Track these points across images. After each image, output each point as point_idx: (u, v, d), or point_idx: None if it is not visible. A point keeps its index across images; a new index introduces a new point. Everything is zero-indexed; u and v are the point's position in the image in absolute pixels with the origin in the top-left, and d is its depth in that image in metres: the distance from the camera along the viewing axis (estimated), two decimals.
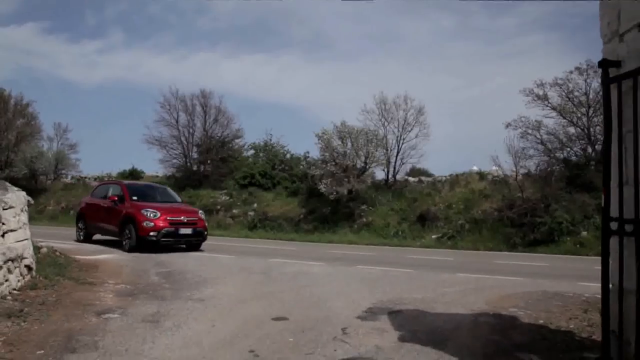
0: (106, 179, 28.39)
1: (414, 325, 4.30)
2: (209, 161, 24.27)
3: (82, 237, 12.38)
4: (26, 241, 6.00)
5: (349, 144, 19.05)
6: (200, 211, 11.77)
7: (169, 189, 13.47)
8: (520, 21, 52.04)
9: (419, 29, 54.97)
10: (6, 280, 5.05)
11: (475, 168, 20.21)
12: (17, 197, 6.25)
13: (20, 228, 6.05)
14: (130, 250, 10.19)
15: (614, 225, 2.81)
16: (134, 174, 27.93)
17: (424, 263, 10.17)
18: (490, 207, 17.29)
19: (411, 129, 19.83)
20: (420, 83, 50.32)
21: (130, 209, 10.73)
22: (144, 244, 10.21)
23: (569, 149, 19.58)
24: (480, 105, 48.75)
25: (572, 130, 19.47)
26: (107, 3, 58.08)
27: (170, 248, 10.75)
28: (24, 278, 5.60)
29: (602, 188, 2.90)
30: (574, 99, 19.39)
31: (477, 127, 45.58)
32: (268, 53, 57.55)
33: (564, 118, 19.37)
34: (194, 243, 11.08)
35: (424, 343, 3.74)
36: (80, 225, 12.71)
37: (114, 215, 11.12)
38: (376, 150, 19.02)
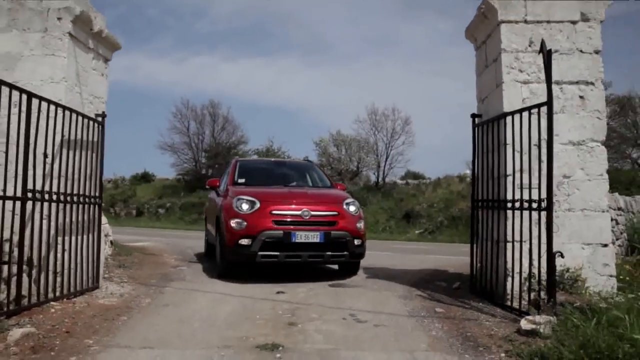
0: (119, 182, 30.68)
1: (378, 273, 6.70)
2: (216, 165, 26.65)
3: (205, 250, 8.61)
4: (107, 224, 8.36)
5: (343, 151, 21.57)
6: (347, 200, 6.29)
7: (315, 167, 8.25)
8: None
9: (416, 32, 56.87)
10: (105, 249, 7.42)
11: (468, 171, 22.65)
12: None
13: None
14: (220, 275, 6.09)
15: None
16: (146, 177, 30.28)
17: (403, 250, 12.56)
18: (467, 206, 19.65)
19: (398, 137, 22.35)
20: (419, 85, 52.13)
21: (226, 200, 6.31)
22: (233, 262, 5.99)
23: None
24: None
25: None
26: (106, 6, 59.87)
27: (282, 272, 6.39)
28: (110, 249, 7.96)
29: (471, 184, 5.30)
30: None
31: None
32: (266, 56, 59.36)
33: None
34: (332, 261, 6.17)
35: (381, 278, 6.15)
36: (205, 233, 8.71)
37: (214, 212, 7.08)
38: (367, 156, 21.57)
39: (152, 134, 60.49)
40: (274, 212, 5.82)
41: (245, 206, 5.88)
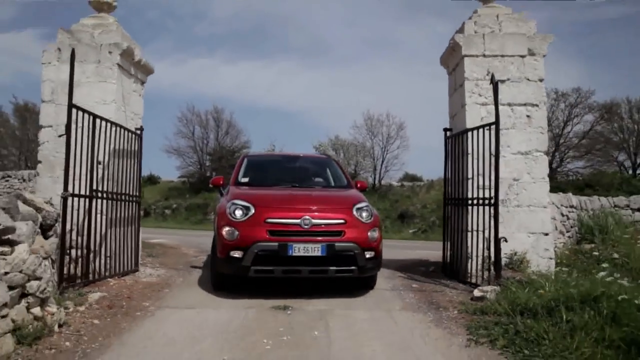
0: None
1: None
2: (218, 168, 27.79)
3: None
4: None
5: (342, 154, 22.71)
6: (358, 205, 5.32)
7: (333, 162, 7.23)
8: None
9: (415, 34, 57.02)
10: None
11: None
12: None
13: None
14: (214, 287, 5.40)
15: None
16: (151, 179, 31.41)
17: (396, 247, 13.69)
18: None
19: (393, 142, 23.57)
20: (418, 86, 52.44)
21: (222, 203, 5.64)
22: (225, 275, 5.22)
23: None
24: None
25: None
26: None
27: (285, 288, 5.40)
28: None
29: (443, 186, 6.48)
30: None
31: None
32: (266, 58, 58.94)
33: None
34: (337, 277, 5.12)
35: None
36: None
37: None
38: (364, 160, 22.74)
39: (154, 136, 61.04)
40: (269, 220, 4.96)
41: (238, 212, 5.05)
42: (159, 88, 57.89)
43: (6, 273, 3.29)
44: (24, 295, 3.49)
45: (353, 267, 5.01)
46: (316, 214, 5.06)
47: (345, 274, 5.07)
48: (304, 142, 61.20)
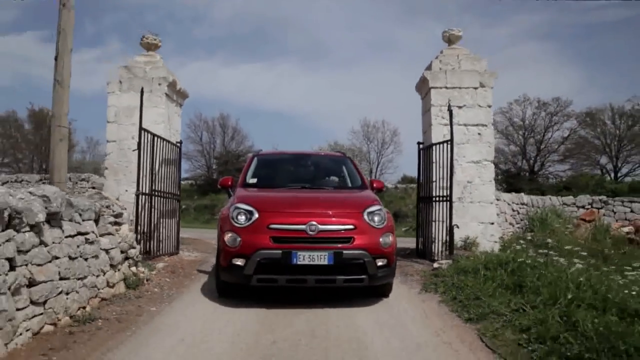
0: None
1: None
2: (224, 171, 29.56)
3: None
4: None
5: None
6: (370, 209, 5.02)
7: (348, 161, 6.73)
8: (513, 31, 53.62)
9: (415, 37, 57.50)
10: None
11: None
12: None
13: None
14: (219, 294, 5.23)
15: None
16: None
17: None
18: None
19: (388, 147, 25.42)
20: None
21: (225, 206, 5.55)
22: (227, 283, 5.06)
23: (510, 163, 25.38)
24: None
25: (512, 147, 25.34)
26: (105, 12, 58.83)
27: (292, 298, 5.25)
28: None
29: (417, 187, 8.29)
30: (514, 124, 25.18)
31: None
32: (266, 61, 59.34)
33: (506, 138, 25.12)
34: (345, 286, 4.95)
35: None
36: None
37: None
38: (360, 164, 24.51)
39: None
40: (273, 225, 4.73)
41: (241, 218, 4.84)
42: None
43: (119, 243, 5.11)
44: (126, 258, 5.32)
45: (363, 276, 4.73)
46: (323, 218, 4.78)
47: (354, 284, 4.81)
48: (304, 144, 61.85)
